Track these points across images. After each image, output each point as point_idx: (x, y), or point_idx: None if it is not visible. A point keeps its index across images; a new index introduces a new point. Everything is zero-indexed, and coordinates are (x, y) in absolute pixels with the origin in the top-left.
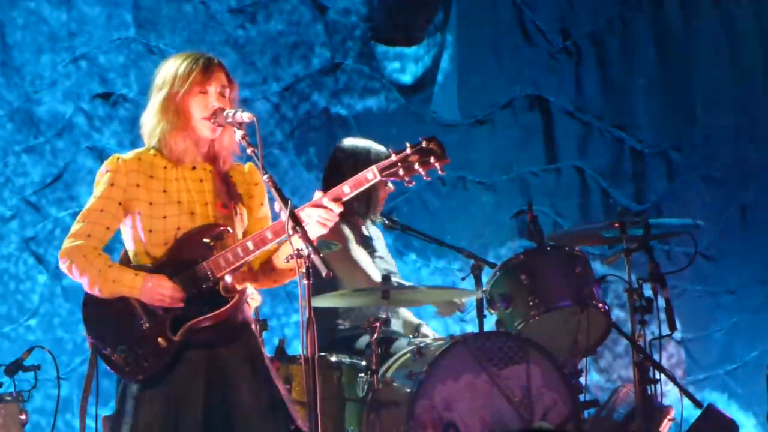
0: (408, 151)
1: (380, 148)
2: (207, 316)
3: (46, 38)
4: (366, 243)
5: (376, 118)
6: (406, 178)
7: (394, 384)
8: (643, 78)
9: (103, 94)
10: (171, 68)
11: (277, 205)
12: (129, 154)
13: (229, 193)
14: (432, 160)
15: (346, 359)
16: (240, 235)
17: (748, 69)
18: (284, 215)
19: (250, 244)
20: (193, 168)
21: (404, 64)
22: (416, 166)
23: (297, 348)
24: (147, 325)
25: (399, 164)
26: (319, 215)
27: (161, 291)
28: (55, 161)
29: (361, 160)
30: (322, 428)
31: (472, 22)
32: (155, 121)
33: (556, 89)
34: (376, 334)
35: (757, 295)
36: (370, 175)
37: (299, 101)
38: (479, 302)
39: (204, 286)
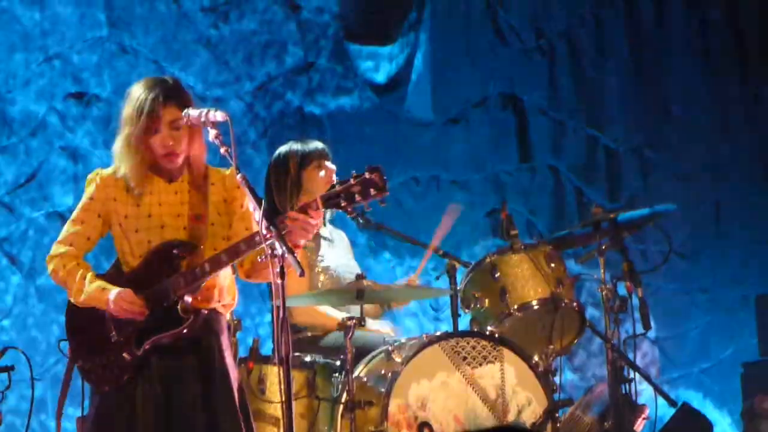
0: (351, 181)
1: (295, 147)
2: (165, 334)
3: (19, 37)
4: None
5: (350, 117)
6: (348, 209)
7: (368, 384)
8: (616, 76)
9: (76, 94)
10: (129, 106)
11: (251, 204)
12: (108, 170)
13: (204, 202)
14: (372, 192)
15: (320, 359)
16: (217, 244)
17: (721, 66)
18: (257, 215)
19: (207, 266)
20: (170, 181)
21: (378, 63)
22: (357, 197)
23: (271, 348)
24: (115, 337)
25: (341, 195)
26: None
27: (123, 305)
28: (29, 161)
29: (280, 165)
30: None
31: (446, 22)
32: (120, 157)
33: (530, 88)
34: (350, 334)
35: (731, 294)
36: (314, 205)
37: (272, 100)
38: (453, 301)
39: (165, 303)
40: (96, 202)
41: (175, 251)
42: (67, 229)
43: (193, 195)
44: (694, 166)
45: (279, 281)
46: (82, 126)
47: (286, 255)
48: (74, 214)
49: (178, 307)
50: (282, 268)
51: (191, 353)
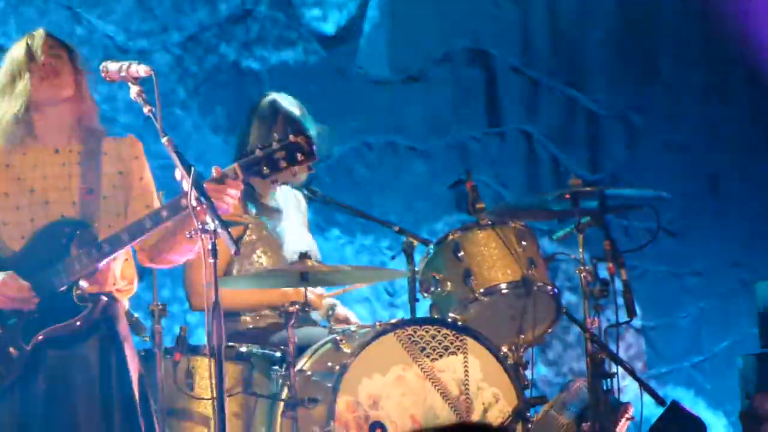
0: (274, 145)
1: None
2: (59, 325)
3: None
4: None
5: (294, 74)
6: (272, 177)
7: (313, 378)
8: (599, 30)
9: None
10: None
11: (178, 173)
12: None
13: (97, 175)
14: (299, 157)
15: (257, 350)
16: (111, 221)
17: (719, 20)
18: (186, 184)
19: (106, 247)
20: (56, 151)
21: (326, 12)
22: (281, 163)
23: (200, 337)
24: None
25: (263, 160)
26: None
27: (9, 293)
28: None
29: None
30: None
31: None
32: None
33: (500, 42)
34: (292, 321)
35: (727, 278)
36: (232, 174)
37: (205, 53)
38: (411, 284)
39: (58, 290)
40: None
41: (61, 234)
42: None
43: (83, 165)
44: (687, 133)
45: (211, 260)
46: None
47: (219, 231)
48: None
49: (74, 293)
50: (214, 245)
51: (87, 342)
